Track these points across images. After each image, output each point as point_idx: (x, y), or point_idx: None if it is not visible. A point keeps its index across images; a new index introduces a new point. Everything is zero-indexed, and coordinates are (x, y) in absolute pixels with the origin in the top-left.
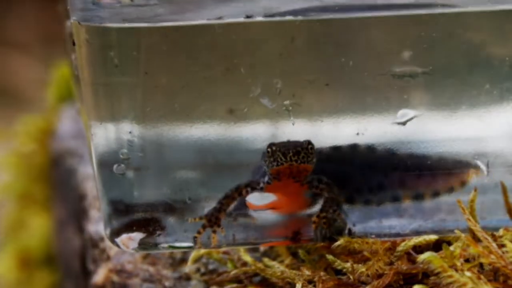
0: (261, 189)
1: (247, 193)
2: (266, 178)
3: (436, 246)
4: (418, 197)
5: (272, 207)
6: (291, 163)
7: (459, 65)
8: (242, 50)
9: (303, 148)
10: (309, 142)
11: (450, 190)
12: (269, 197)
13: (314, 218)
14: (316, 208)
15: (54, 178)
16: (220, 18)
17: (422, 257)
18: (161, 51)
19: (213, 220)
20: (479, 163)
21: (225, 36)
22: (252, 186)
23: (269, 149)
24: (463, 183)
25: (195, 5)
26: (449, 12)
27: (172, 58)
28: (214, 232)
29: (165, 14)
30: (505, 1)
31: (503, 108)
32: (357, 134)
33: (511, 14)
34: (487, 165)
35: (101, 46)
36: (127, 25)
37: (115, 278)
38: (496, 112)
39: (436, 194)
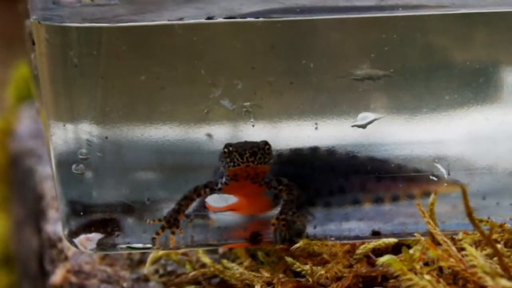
0: (219, 190)
1: (206, 194)
2: (224, 179)
3: (395, 249)
4: (378, 200)
5: (231, 208)
6: (248, 164)
7: (420, 68)
8: (203, 51)
9: (260, 149)
10: (266, 143)
11: (411, 196)
12: (228, 199)
13: (273, 220)
14: (276, 210)
15: (13, 178)
16: (181, 19)
17: (382, 260)
18: (121, 52)
19: (171, 222)
20: (439, 166)
21: (185, 37)
22: (210, 187)
23: (226, 150)
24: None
25: (156, 6)
26: (411, 15)
27: (132, 58)
28: (173, 233)
29: (126, 14)
30: (467, 5)
31: (463, 112)
32: (315, 132)
33: (472, 18)
34: (448, 169)
35: (61, 46)
36: (87, 24)
37: (73, 278)
38: (456, 116)
39: (396, 198)
